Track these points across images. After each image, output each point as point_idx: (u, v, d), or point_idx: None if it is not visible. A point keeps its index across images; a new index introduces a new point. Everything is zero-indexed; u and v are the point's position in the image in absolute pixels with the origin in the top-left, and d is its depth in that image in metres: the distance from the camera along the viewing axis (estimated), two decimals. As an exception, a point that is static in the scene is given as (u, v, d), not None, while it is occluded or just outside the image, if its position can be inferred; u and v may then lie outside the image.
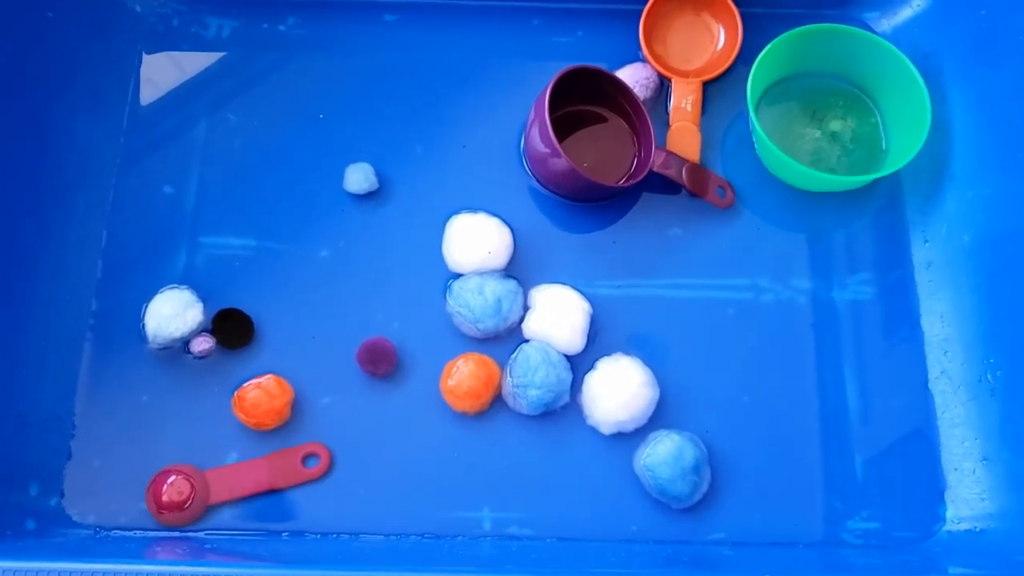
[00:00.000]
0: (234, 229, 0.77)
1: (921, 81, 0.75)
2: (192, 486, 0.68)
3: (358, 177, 0.77)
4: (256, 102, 0.82)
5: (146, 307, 0.73)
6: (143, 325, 0.72)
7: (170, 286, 0.74)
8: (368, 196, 0.78)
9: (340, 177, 0.78)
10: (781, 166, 0.77)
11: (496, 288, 0.72)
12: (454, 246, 0.75)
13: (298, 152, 0.80)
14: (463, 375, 0.70)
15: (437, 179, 0.79)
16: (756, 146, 0.79)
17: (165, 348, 0.72)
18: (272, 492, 0.69)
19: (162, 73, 0.82)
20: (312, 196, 0.78)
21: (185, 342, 0.72)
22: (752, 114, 0.75)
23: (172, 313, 0.71)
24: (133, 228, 0.77)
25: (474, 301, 0.71)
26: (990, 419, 0.69)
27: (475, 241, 0.74)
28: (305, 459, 0.70)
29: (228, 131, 0.81)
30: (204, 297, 0.73)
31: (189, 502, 0.67)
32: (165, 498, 0.68)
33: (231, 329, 0.73)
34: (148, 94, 0.81)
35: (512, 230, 0.76)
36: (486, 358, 0.71)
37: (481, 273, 0.73)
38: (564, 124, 0.78)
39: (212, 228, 0.77)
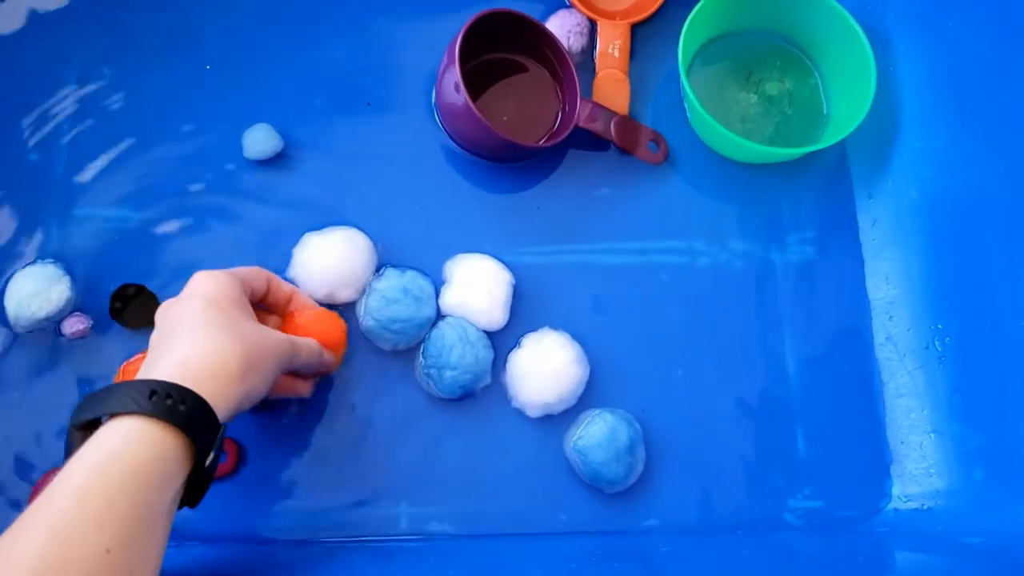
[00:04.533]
0: (112, 200, 0.69)
1: (862, 34, 0.69)
2: None
3: (260, 139, 0.69)
4: (134, 52, 0.72)
5: (3, 287, 0.65)
6: (2, 307, 0.64)
7: (31, 261, 0.66)
8: (266, 162, 0.70)
9: (231, 137, 0.70)
10: (717, 139, 0.71)
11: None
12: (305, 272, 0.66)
13: (184, 110, 0.71)
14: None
15: (340, 139, 0.71)
16: (689, 116, 0.72)
17: (32, 331, 0.65)
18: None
19: (20, 19, 0.72)
20: (201, 159, 0.70)
21: (56, 323, 0.65)
22: (684, 80, 0.68)
23: (35, 291, 0.63)
24: (-6, 202, 0.68)
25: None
26: (938, 389, 0.65)
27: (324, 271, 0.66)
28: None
29: (101, 87, 0.71)
30: (75, 276, 0.66)
31: None
32: None
33: (135, 306, 0.66)
34: (5, 45, 0.71)
35: (373, 240, 0.68)
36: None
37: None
38: (480, 74, 0.71)
39: (87, 200, 0.69)
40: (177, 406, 0.46)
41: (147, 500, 0.43)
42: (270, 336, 0.55)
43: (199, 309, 0.52)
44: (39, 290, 0.63)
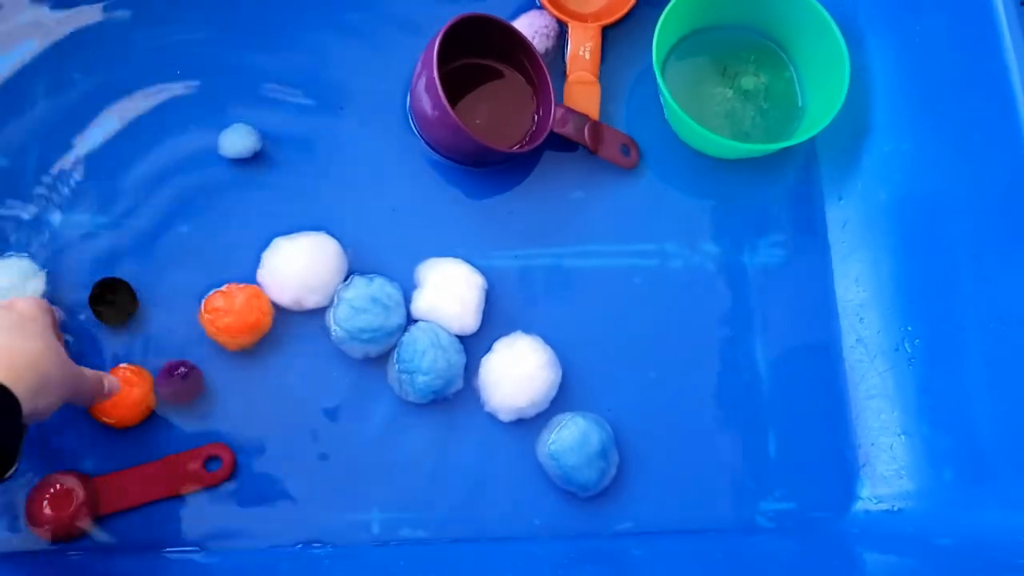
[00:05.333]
0: (84, 202, 0.68)
1: (835, 26, 0.69)
2: (77, 496, 0.60)
3: (238, 138, 0.69)
4: (104, 56, 0.72)
5: None
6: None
7: (6, 255, 0.65)
8: (240, 164, 0.69)
9: (204, 139, 0.70)
10: (694, 136, 0.71)
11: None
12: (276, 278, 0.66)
13: (155, 115, 0.71)
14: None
15: (313, 143, 0.71)
16: (665, 111, 0.73)
17: None
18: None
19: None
20: (173, 163, 0.69)
21: None
22: (660, 79, 0.68)
23: (9, 285, 0.63)
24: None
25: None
26: (907, 391, 0.65)
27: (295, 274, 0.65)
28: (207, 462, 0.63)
29: (71, 91, 0.71)
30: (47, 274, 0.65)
31: (73, 513, 0.60)
32: (48, 511, 0.59)
33: (115, 301, 0.65)
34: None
35: (344, 244, 0.67)
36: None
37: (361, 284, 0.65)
38: (456, 80, 0.71)
39: (58, 202, 0.68)
40: None
41: None
42: (72, 365, 0.54)
43: (13, 316, 0.52)
44: (14, 285, 0.63)
